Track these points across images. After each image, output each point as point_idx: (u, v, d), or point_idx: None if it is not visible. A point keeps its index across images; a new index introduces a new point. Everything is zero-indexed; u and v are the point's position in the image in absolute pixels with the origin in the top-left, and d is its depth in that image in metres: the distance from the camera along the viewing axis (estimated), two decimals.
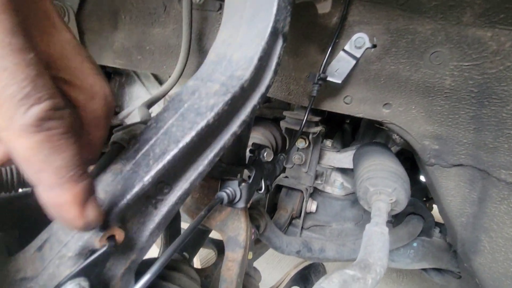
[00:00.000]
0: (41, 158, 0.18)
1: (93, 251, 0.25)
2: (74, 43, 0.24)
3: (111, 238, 0.25)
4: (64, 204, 0.20)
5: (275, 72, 0.35)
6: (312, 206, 0.88)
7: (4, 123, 0.18)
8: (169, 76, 0.89)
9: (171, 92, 0.75)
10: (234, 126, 0.33)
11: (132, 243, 0.28)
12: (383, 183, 0.56)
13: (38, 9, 0.22)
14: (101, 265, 0.24)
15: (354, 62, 0.57)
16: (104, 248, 0.24)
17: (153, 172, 0.27)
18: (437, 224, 0.88)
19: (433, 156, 0.60)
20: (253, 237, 0.55)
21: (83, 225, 0.21)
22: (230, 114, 0.32)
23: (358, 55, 0.57)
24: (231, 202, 0.40)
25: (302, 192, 0.89)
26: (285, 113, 0.72)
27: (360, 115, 0.64)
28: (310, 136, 0.71)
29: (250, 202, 0.45)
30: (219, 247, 0.71)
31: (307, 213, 0.90)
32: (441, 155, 0.60)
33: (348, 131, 1.27)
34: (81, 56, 0.24)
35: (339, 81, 0.58)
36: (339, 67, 0.58)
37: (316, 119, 0.71)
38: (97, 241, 0.24)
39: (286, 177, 0.88)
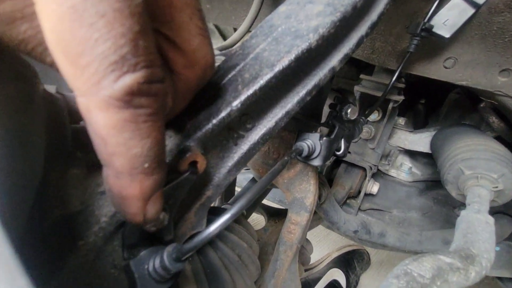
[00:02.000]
0: (120, 140, 0.14)
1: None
2: None
3: (193, 164, 0.22)
4: (128, 197, 0.16)
5: None
6: (373, 187, 0.80)
7: (86, 88, 0.13)
8: (234, 30, 0.84)
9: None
10: (334, 60, 0.27)
11: (209, 178, 0.26)
12: (486, 166, 0.46)
13: None
14: (180, 192, 0.22)
15: (472, 11, 0.45)
16: (187, 174, 0.21)
17: (243, 97, 0.23)
18: None
19: None
20: None
21: (139, 222, 0.18)
22: (332, 43, 0.26)
23: (480, 1, 0.44)
24: (308, 157, 0.35)
25: (363, 170, 0.81)
26: (362, 76, 0.63)
27: (463, 83, 0.52)
28: (390, 105, 0.61)
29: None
30: (269, 213, 0.69)
31: (366, 194, 0.82)
32: None
33: (422, 112, 1.11)
34: (192, 8, 0.18)
35: (447, 35, 0.46)
36: (450, 17, 0.46)
37: (401, 85, 0.60)
38: (181, 164, 0.21)
39: (349, 152, 0.80)
